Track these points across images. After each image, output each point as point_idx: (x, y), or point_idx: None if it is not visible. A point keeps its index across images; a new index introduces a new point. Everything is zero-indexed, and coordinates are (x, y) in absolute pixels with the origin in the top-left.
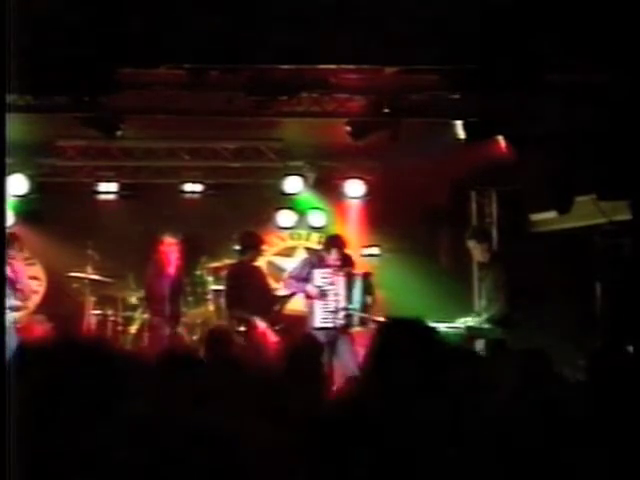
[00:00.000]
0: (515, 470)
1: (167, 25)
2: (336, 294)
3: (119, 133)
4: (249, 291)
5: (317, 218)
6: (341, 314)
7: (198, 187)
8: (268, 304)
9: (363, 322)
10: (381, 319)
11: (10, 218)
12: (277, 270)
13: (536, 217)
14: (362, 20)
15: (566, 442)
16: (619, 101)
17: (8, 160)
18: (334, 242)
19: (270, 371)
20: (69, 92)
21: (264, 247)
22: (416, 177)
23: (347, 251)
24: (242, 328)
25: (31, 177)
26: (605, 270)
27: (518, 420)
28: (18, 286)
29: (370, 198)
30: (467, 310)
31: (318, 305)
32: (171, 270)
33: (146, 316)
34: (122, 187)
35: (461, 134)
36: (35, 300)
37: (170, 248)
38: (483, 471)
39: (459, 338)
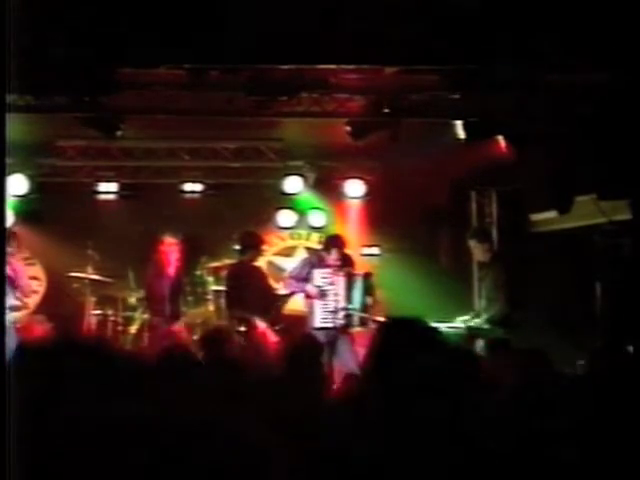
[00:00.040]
0: (515, 470)
1: (168, 25)
2: (336, 294)
3: (119, 133)
4: (249, 291)
5: (317, 218)
6: (341, 314)
7: (198, 187)
8: (268, 304)
9: (363, 322)
10: (381, 319)
11: (10, 218)
12: (277, 270)
13: (536, 217)
14: (362, 20)
15: (566, 442)
16: (619, 101)
17: (8, 160)
18: (334, 242)
19: (268, 371)
20: (69, 92)
21: (264, 247)
22: (416, 177)
23: (347, 251)
24: (242, 328)
25: (31, 177)
26: (605, 270)
27: (518, 420)
28: (18, 285)
29: (370, 198)
30: (467, 310)
31: (318, 305)
32: (171, 270)
33: (146, 316)
34: (122, 187)
35: (461, 134)
36: (35, 300)
37: (170, 248)
38: (483, 471)
39: (459, 338)
